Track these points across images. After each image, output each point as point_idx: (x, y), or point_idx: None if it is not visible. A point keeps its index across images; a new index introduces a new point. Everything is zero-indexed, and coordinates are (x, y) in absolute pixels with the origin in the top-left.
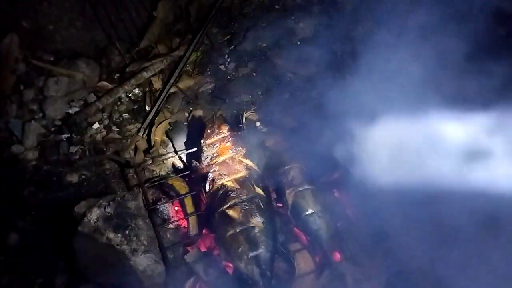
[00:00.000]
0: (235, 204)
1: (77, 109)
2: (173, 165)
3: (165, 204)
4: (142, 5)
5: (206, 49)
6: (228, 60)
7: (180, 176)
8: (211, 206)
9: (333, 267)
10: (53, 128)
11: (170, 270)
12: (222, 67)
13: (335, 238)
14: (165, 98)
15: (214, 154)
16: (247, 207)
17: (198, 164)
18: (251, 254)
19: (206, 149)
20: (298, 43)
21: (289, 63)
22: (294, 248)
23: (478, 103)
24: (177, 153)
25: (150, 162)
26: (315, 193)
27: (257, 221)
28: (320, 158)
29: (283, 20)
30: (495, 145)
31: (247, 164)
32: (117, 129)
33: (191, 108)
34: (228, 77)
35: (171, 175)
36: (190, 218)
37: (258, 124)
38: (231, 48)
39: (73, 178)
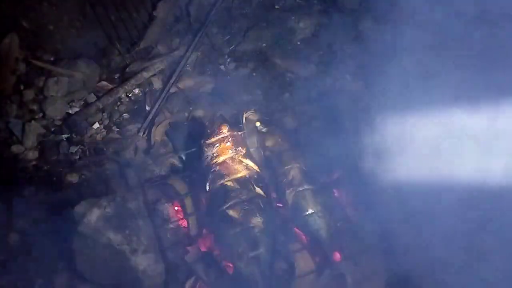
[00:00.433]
0: (235, 204)
1: (77, 109)
2: (173, 165)
3: (165, 204)
4: (142, 5)
5: (206, 49)
6: (228, 60)
7: (180, 176)
8: (211, 206)
9: (333, 267)
10: (53, 128)
11: (170, 270)
12: (222, 67)
13: (335, 238)
14: (165, 98)
15: (214, 154)
16: (247, 207)
17: (198, 164)
18: (251, 254)
19: (206, 149)
20: (298, 43)
21: (289, 63)
22: (294, 248)
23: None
24: (177, 153)
25: (150, 162)
26: (315, 193)
27: (257, 221)
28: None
29: (283, 20)
30: None
31: (247, 164)
32: (117, 129)
33: (191, 108)
34: (228, 77)
35: (171, 175)
36: (190, 218)
37: (258, 124)
38: (231, 48)
39: (73, 178)
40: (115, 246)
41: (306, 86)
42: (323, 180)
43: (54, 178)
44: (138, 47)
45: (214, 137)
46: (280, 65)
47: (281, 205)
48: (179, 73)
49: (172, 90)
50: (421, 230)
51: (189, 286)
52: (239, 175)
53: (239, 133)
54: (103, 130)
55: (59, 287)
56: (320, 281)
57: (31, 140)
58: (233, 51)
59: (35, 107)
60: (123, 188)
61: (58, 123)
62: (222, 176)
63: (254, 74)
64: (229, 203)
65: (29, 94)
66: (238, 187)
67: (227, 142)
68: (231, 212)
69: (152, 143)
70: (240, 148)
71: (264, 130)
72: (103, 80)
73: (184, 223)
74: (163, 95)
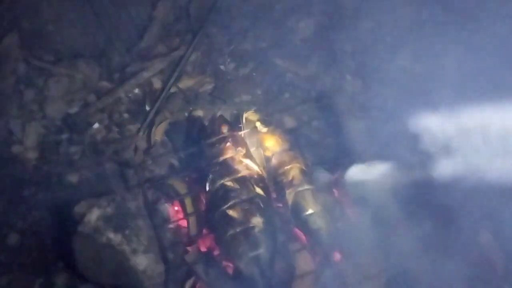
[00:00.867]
0: (235, 204)
1: (77, 109)
2: (173, 165)
3: (165, 204)
4: (142, 5)
5: (206, 49)
6: (228, 60)
7: (180, 176)
8: (211, 206)
9: (333, 267)
10: (53, 128)
11: (170, 270)
12: (222, 67)
13: (335, 238)
14: (165, 98)
15: (214, 154)
16: (247, 207)
17: (198, 164)
18: (251, 254)
19: (206, 149)
20: (298, 43)
21: (289, 63)
22: (294, 248)
23: None
24: (177, 153)
25: (150, 162)
26: (315, 193)
27: (257, 221)
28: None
29: (283, 20)
30: None
31: (247, 164)
32: (117, 129)
33: (191, 108)
34: (228, 77)
35: (171, 175)
36: (190, 218)
37: (258, 124)
38: (231, 48)
39: (73, 178)
40: (115, 246)
41: (306, 86)
42: (323, 180)
43: (54, 178)
44: (138, 47)
45: (214, 137)
46: (280, 65)
47: (281, 205)
48: (179, 73)
49: (172, 90)
50: None
51: (189, 286)
52: (239, 175)
53: (239, 133)
54: (103, 130)
55: (59, 287)
56: (320, 281)
57: (31, 140)
58: (233, 51)
59: (35, 107)
60: (123, 188)
61: (58, 123)
62: (222, 176)
63: (254, 74)
64: (229, 203)
65: (29, 94)
66: (238, 187)
67: (227, 142)
68: (231, 212)
69: (152, 143)
70: (240, 148)
71: (264, 130)
72: (103, 80)
73: (184, 223)
74: (163, 95)
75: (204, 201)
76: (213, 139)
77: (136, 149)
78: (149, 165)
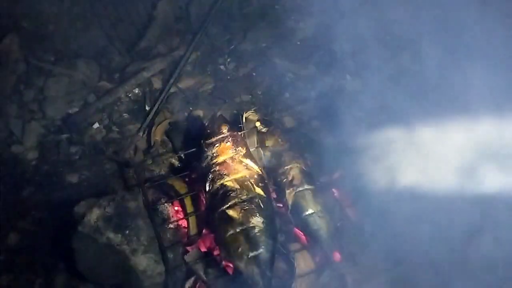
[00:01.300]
0: (235, 204)
1: (77, 109)
2: (173, 165)
3: (165, 204)
4: (142, 5)
5: (206, 49)
6: (228, 60)
7: (180, 176)
8: (211, 206)
9: (333, 267)
10: (53, 128)
11: (170, 270)
12: (222, 67)
13: (335, 238)
14: (165, 98)
15: (214, 154)
16: (247, 207)
17: (198, 164)
18: (251, 254)
19: (206, 149)
20: (298, 43)
21: (289, 63)
22: (294, 248)
23: None
24: (177, 153)
25: (150, 162)
26: (315, 193)
27: (257, 221)
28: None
29: (283, 20)
30: None
31: (247, 164)
32: (117, 129)
33: (191, 108)
34: (228, 77)
35: (171, 175)
36: (190, 218)
37: (258, 124)
38: (231, 48)
39: (73, 178)
40: (115, 246)
41: (306, 86)
42: (323, 180)
43: (54, 178)
44: (138, 47)
45: (214, 137)
46: (280, 65)
47: (281, 205)
48: (179, 73)
49: (172, 90)
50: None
51: (189, 286)
52: (239, 175)
53: (239, 133)
54: (103, 130)
55: (59, 287)
56: (320, 281)
57: (31, 140)
58: (233, 51)
59: (35, 107)
60: (123, 188)
61: (58, 123)
62: (222, 176)
63: (254, 74)
64: (229, 203)
65: (29, 94)
66: (238, 187)
67: (227, 142)
68: (231, 212)
69: (152, 143)
70: (240, 148)
71: (264, 130)
72: (103, 80)
73: (184, 223)
74: (163, 95)
75: (204, 201)
76: (213, 139)
77: (136, 149)
78: (149, 165)
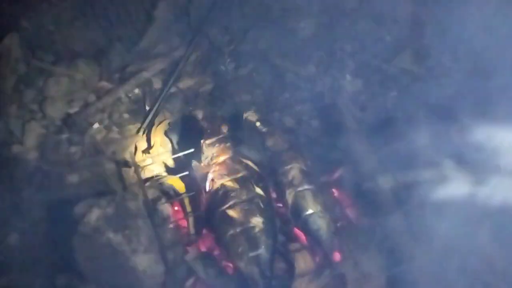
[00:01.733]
0: (235, 204)
1: (77, 109)
2: (173, 165)
3: (165, 204)
4: (142, 5)
5: (206, 49)
6: (228, 60)
7: (179, 176)
8: (211, 206)
9: (333, 267)
10: (53, 128)
11: (170, 270)
12: (222, 67)
13: (335, 238)
14: (165, 98)
15: (214, 154)
16: (247, 207)
17: (198, 164)
18: (251, 254)
19: (206, 149)
20: (298, 43)
21: (289, 63)
22: (294, 248)
23: None
24: (176, 153)
25: (150, 162)
26: (315, 193)
27: (257, 221)
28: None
29: (283, 20)
30: None
31: (247, 164)
32: (117, 129)
33: (191, 108)
34: (228, 77)
35: (171, 175)
36: (190, 218)
37: (258, 124)
38: (231, 48)
39: (73, 178)
40: (115, 246)
41: (306, 86)
42: (323, 180)
43: (54, 178)
44: (138, 47)
45: (214, 137)
46: (280, 65)
47: (281, 205)
48: (179, 73)
49: (172, 90)
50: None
51: (189, 286)
52: (239, 175)
53: (239, 133)
54: (103, 130)
55: (59, 287)
56: (320, 281)
57: (31, 140)
58: (233, 51)
59: (35, 107)
60: (123, 188)
61: (58, 123)
62: (222, 176)
63: (254, 74)
64: (229, 203)
65: (29, 94)
66: (238, 187)
67: (227, 142)
68: (231, 212)
69: (152, 143)
70: (240, 148)
71: (264, 130)
72: (103, 80)
73: (184, 223)
74: (163, 95)
75: (204, 201)
76: (213, 139)
77: (136, 149)
78: (149, 165)
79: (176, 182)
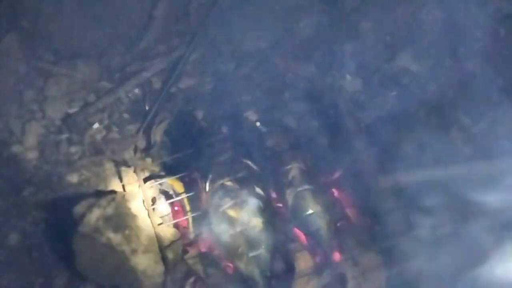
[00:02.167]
0: (235, 204)
1: (77, 109)
2: (172, 165)
3: (165, 204)
4: (142, 5)
5: (206, 49)
6: (228, 60)
7: (179, 176)
8: (211, 206)
9: (333, 267)
10: (53, 128)
11: (170, 270)
12: (222, 67)
13: (335, 238)
14: (165, 98)
15: (214, 154)
16: (247, 207)
17: (198, 164)
18: (251, 254)
19: (205, 149)
20: (298, 43)
21: (289, 63)
22: (294, 248)
23: None
24: (176, 153)
25: (150, 162)
26: (315, 193)
27: (257, 221)
28: None
29: (283, 20)
30: None
31: (247, 164)
32: (117, 129)
33: (191, 108)
34: (228, 77)
35: (171, 175)
36: (190, 218)
37: (258, 124)
38: (231, 48)
39: (73, 178)
40: (115, 246)
41: (306, 86)
42: (323, 180)
43: (54, 178)
44: (138, 47)
45: (214, 137)
46: (280, 65)
47: (281, 205)
48: (179, 73)
49: (172, 90)
50: None
51: (189, 286)
52: (239, 175)
53: (239, 133)
54: (103, 130)
55: (59, 287)
56: (320, 281)
57: (31, 140)
58: (233, 51)
59: (35, 107)
60: (123, 188)
61: (58, 123)
62: (222, 176)
63: (254, 74)
64: (229, 203)
65: (29, 94)
66: (238, 187)
67: (227, 142)
68: (231, 212)
69: (152, 143)
70: (240, 148)
71: (264, 130)
72: (103, 80)
73: (184, 223)
74: (163, 95)
75: (204, 201)
76: (213, 139)
77: (136, 149)
78: (149, 165)
79: (176, 182)
